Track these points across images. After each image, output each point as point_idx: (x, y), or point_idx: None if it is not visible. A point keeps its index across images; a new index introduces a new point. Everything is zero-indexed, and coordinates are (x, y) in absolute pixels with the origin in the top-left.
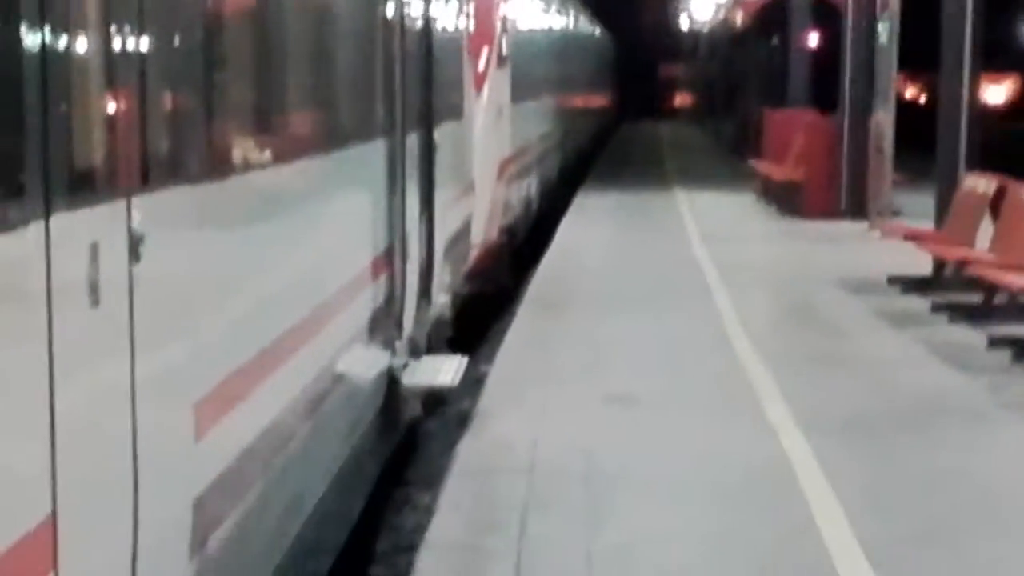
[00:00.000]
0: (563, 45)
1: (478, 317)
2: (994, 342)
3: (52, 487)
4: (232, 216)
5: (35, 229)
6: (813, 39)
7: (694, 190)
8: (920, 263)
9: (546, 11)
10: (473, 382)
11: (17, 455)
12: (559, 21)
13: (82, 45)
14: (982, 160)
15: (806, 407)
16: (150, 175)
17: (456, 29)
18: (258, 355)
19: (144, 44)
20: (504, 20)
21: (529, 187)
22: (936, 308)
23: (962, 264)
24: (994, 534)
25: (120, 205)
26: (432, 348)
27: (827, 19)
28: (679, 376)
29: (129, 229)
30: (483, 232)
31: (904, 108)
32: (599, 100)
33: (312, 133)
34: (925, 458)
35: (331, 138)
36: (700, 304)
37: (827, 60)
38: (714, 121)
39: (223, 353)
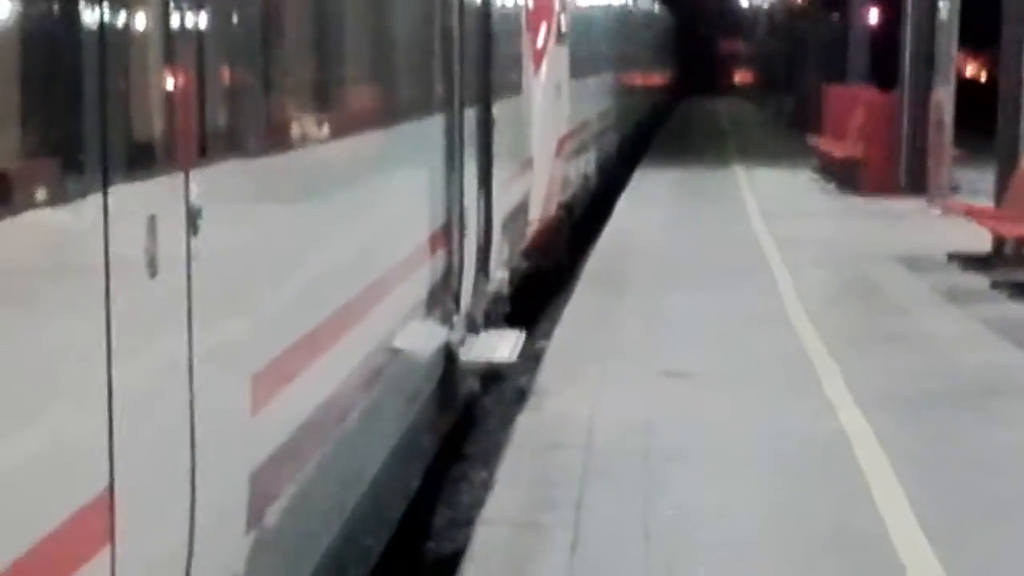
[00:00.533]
0: (622, 21)
1: (536, 293)
2: None
3: (109, 460)
4: (290, 190)
5: (93, 202)
6: (873, 15)
7: (753, 166)
8: (980, 240)
9: None
10: (531, 358)
11: (75, 428)
12: None
13: (140, 20)
14: None
15: (864, 383)
16: (208, 149)
17: (515, 5)
18: (314, 329)
19: (203, 18)
20: None
21: (587, 164)
22: (996, 285)
23: (1022, 241)
24: None
25: (178, 179)
26: (490, 323)
27: None
28: (737, 352)
29: (187, 202)
30: (541, 208)
31: (964, 85)
32: (658, 77)
33: (369, 108)
34: (983, 435)
35: (388, 113)
36: (759, 280)
37: (887, 36)
38: (774, 97)
39: (280, 327)
